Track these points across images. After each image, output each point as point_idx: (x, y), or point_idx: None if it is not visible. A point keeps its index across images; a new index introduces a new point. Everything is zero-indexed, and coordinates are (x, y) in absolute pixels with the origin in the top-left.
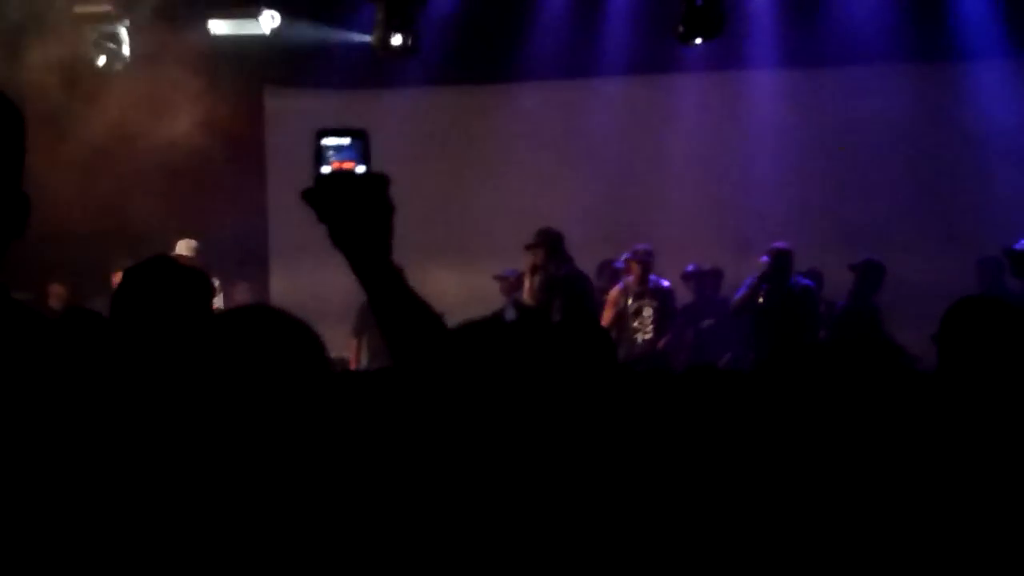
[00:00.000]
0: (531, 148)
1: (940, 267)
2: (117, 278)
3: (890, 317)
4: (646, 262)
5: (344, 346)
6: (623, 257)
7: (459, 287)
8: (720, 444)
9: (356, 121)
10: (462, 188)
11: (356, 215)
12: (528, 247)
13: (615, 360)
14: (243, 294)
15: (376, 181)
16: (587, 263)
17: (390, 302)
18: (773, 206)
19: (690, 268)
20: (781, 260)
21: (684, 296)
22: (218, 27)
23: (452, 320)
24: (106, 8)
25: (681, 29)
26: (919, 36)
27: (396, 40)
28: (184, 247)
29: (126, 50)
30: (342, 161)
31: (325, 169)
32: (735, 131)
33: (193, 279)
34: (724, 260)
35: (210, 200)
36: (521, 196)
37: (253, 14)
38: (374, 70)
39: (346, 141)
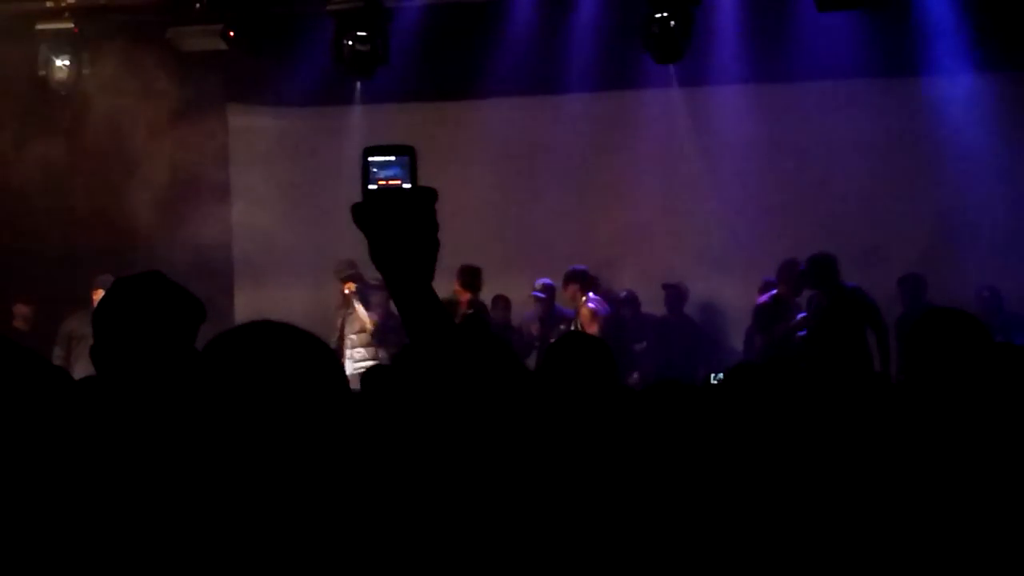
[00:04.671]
0: (497, 165)
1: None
2: (97, 296)
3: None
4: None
5: None
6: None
7: None
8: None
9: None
10: None
11: (402, 230)
12: None
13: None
14: None
15: (424, 195)
16: (553, 279)
17: (425, 328)
18: (738, 221)
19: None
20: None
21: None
22: (181, 43)
23: None
24: (68, 25)
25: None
26: (884, 52)
27: (358, 49)
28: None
29: (85, 68)
30: (388, 178)
31: (372, 186)
32: (700, 147)
33: (184, 298)
34: (689, 275)
35: (174, 217)
36: (486, 213)
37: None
38: (339, 87)
39: (392, 158)
